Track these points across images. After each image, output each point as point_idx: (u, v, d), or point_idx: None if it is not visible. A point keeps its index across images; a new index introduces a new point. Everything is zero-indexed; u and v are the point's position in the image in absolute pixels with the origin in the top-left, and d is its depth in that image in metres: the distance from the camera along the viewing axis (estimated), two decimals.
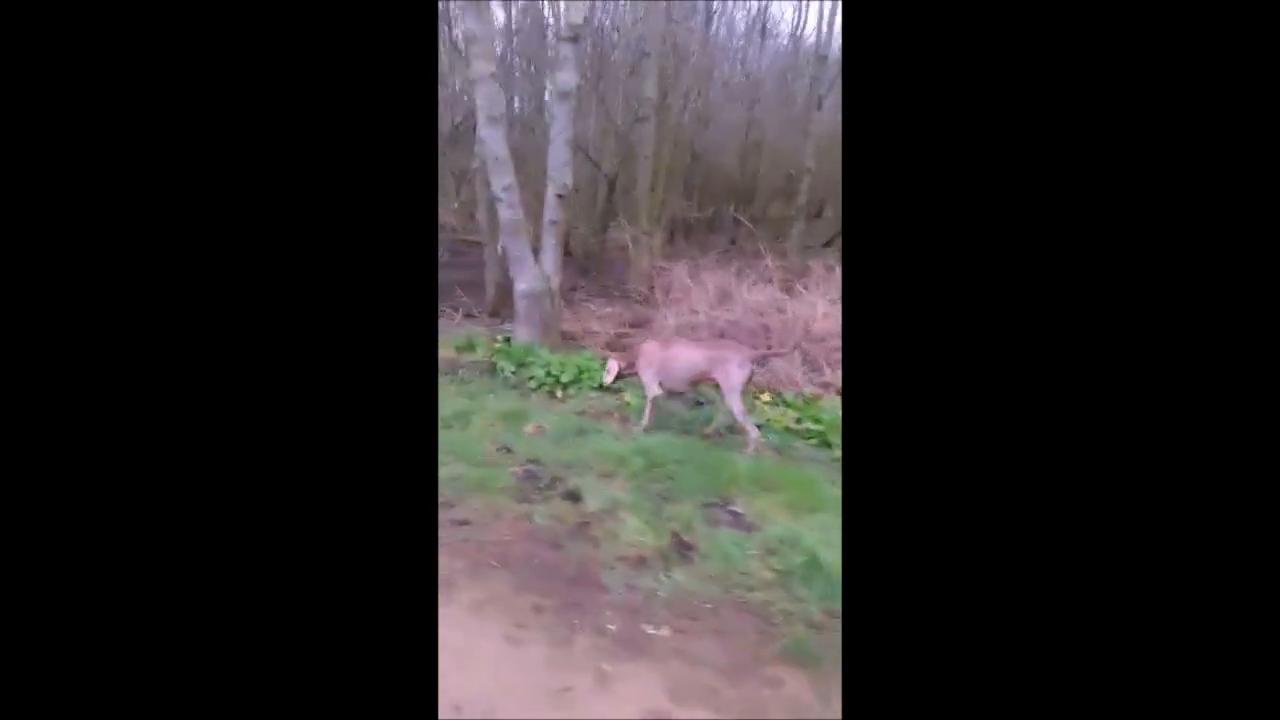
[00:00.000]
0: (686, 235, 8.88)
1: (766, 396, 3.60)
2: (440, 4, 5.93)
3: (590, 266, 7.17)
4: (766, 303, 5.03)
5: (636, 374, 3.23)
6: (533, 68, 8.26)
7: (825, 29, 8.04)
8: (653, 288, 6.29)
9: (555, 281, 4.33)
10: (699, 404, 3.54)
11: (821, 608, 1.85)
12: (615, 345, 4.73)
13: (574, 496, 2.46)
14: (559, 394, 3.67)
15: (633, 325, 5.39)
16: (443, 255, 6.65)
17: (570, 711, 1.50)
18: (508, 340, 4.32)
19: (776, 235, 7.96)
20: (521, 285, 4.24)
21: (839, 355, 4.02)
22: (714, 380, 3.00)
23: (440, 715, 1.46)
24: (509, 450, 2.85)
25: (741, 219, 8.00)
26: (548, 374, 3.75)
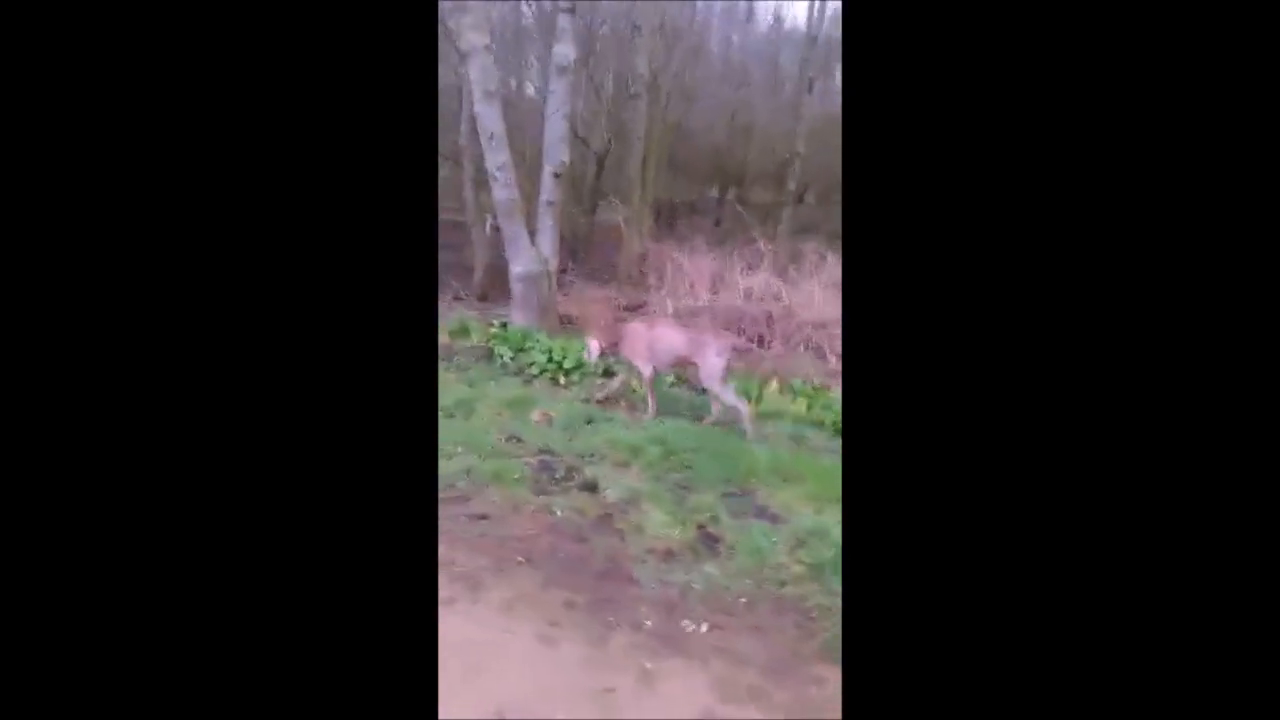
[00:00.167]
0: (671, 217, 8.78)
1: (775, 385, 3.57)
2: None
3: (579, 248, 7.02)
4: (763, 288, 5.00)
5: (619, 354, 3.25)
6: (517, 40, 7.97)
7: (816, 12, 7.94)
8: (643, 271, 6.20)
9: (553, 264, 4.21)
10: (705, 390, 3.49)
11: None
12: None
13: (592, 487, 2.39)
14: (561, 380, 3.59)
15: (627, 309, 5.30)
16: None
17: (616, 713, 1.45)
18: (504, 325, 4.19)
19: (764, 219, 7.91)
20: (518, 268, 4.11)
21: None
22: (694, 364, 3.06)
23: (480, 718, 1.40)
24: (519, 440, 2.76)
25: (734, 202, 7.91)
26: (549, 360, 3.65)
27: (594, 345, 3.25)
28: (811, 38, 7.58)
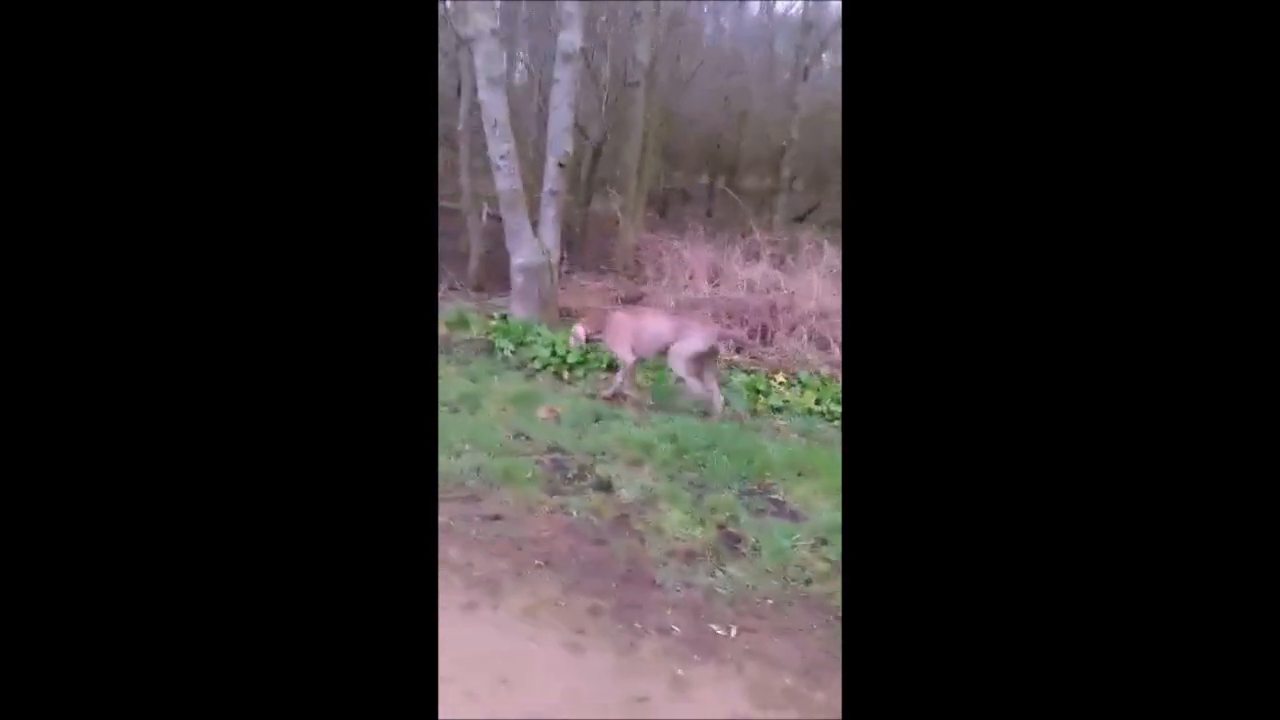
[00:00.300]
0: (664, 206, 8.68)
1: (781, 377, 3.54)
2: None
3: (573, 239, 6.91)
4: (761, 278, 4.95)
5: (604, 341, 3.27)
6: (511, 27, 7.77)
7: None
8: (638, 261, 6.11)
9: (555, 255, 4.12)
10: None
11: None
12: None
13: (606, 487, 2.34)
14: (565, 375, 3.52)
15: (626, 301, 5.23)
16: None
17: None
18: (504, 317, 4.11)
19: (758, 208, 7.85)
20: (519, 259, 4.01)
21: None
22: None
23: None
24: (527, 437, 2.70)
25: (729, 191, 7.82)
26: (552, 354, 3.58)
27: (579, 331, 3.26)
28: (808, 24, 7.48)
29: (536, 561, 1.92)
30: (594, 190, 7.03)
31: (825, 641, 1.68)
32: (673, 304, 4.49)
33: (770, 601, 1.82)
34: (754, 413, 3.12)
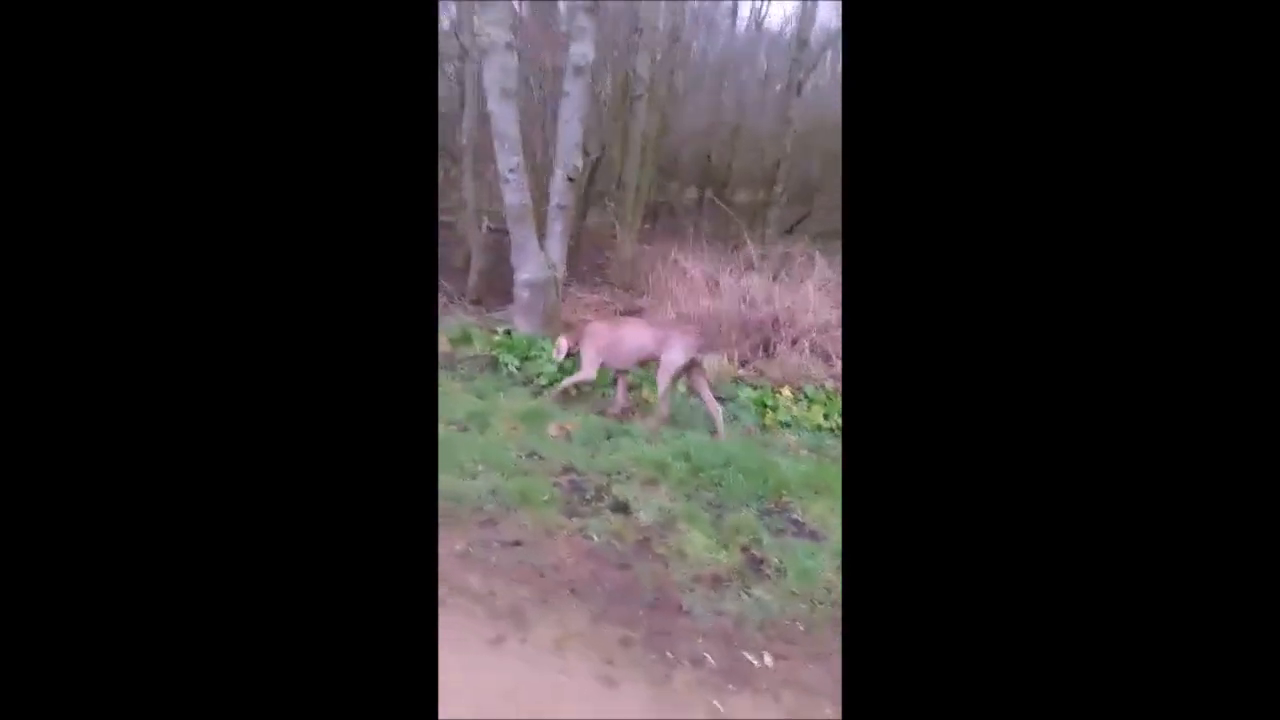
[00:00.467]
0: (654, 219, 8.69)
1: (787, 392, 3.54)
2: None
3: (570, 251, 6.88)
4: (757, 291, 4.95)
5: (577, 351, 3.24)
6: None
7: (805, 14, 7.94)
8: (635, 274, 6.10)
9: (561, 271, 4.09)
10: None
11: None
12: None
13: (624, 508, 2.31)
14: (573, 392, 3.48)
15: (624, 314, 5.21)
16: None
17: None
18: (508, 332, 4.06)
19: (750, 221, 7.89)
20: (524, 274, 3.98)
21: None
22: (659, 359, 3.05)
23: None
24: (540, 457, 2.66)
25: (715, 203, 7.87)
26: (560, 370, 3.54)
27: (563, 343, 3.24)
28: (802, 40, 7.57)
29: (561, 590, 1.88)
30: (590, 203, 7.03)
31: None
32: (674, 317, 4.48)
33: (800, 626, 1.80)
34: (763, 428, 3.10)
